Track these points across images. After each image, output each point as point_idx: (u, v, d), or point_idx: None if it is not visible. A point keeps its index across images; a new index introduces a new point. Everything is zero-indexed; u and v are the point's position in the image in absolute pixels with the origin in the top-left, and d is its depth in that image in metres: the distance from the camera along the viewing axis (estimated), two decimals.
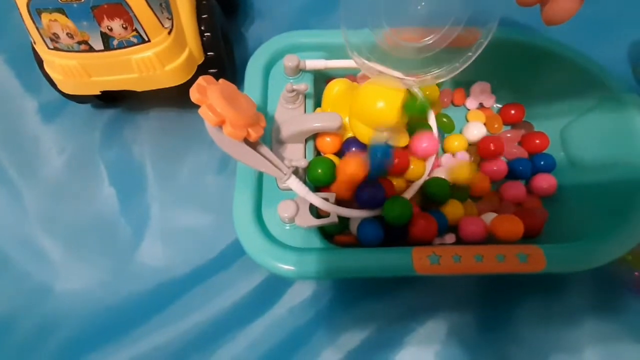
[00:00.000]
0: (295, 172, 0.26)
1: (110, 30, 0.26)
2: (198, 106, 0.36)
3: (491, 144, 0.32)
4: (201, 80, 0.21)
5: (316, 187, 0.28)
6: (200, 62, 0.31)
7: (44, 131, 0.36)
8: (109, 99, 0.36)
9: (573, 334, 0.29)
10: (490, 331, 0.30)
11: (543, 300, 0.30)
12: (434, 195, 0.28)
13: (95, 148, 0.35)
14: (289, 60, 0.28)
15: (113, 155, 0.35)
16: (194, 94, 0.20)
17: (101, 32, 0.26)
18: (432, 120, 0.29)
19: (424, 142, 0.28)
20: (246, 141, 0.22)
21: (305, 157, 0.27)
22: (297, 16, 0.41)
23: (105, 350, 0.29)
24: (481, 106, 0.36)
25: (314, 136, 0.28)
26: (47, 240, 0.32)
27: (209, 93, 0.20)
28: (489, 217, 0.28)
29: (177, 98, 0.36)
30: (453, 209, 0.29)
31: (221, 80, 0.22)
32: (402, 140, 0.30)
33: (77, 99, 0.35)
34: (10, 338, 0.30)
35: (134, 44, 0.27)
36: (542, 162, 0.32)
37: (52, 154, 0.35)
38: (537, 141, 0.33)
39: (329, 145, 0.28)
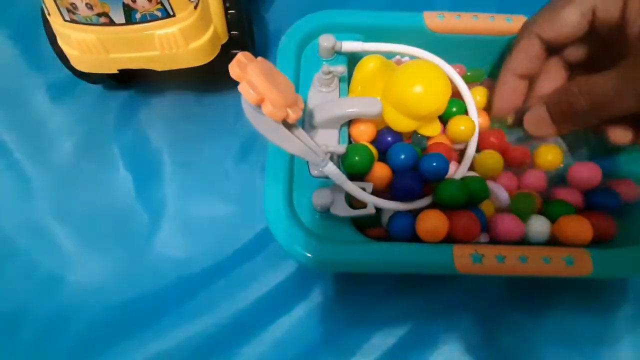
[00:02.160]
0: (330, 158, 0.24)
1: (134, 1, 0.24)
2: (217, 90, 0.35)
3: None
4: (241, 55, 0.19)
5: (349, 176, 0.26)
6: (224, 41, 0.29)
7: (53, 113, 0.34)
8: (123, 79, 0.34)
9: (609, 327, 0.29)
10: (522, 331, 0.28)
11: (577, 296, 0.29)
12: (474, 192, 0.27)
13: (108, 131, 0.33)
14: (325, 40, 0.26)
15: (127, 140, 0.33)
16: (233, 69, 0.19)
17: (124, 3, 0.24)
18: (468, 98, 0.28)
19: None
20: (284, 123, 0.21)
21: (339, 144, 0.26)
22: None
23: (121, 346, 0.27)
24: None
25: (348, 123, 0.27)
26: (58, 227, 0.30)
27: (250, 69, 0.19)
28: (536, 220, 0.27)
29: (195, 80, 0.35)
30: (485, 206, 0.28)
31: (259, 58, 0.20)
32: (433, 129, 0.28)
33: (90, 79, 0.33)
34: (21, 331, 0.28)
35: (158, 18, 0.25)
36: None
37: (62, 137, 0.33)
38: None
39: (363, 134, 0.27)
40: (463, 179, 0.27)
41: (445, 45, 0.29)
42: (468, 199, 0.26)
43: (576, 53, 0.26)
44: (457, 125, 0.27)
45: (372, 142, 0.27)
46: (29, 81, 0.35)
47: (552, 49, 0.26)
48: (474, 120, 0.27)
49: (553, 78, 0.27)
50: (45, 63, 0.36)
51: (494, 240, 0.26)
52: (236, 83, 0.19)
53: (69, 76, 0.31)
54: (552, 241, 0.26)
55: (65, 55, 0.28)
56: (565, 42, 0.25)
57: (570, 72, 0.27)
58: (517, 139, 0.30)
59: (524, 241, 0.26)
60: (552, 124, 0.25)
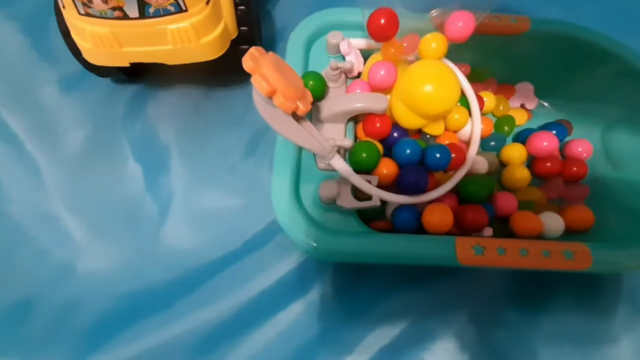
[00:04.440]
0: (337, 152, 0.25)
1: None
2: (225, 84, 0.36)
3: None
4: (254, 50, 0.20)
5: (355, 171, 0.27)
6: (233, 36, 0.30)
7: (63, 105, 0.35)
8: (132, 73, 0.34)
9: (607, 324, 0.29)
10: (518, 329, 0.29)
11: (576, 293, 0.30)
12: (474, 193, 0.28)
13: (117, 124, 0.34)
14: (333, 37, 0.27)
15: (136, 132, 0.34)
16: (247, 62, 0.19)
17: None
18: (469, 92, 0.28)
19: None
20: (294, 115, 0.22)
21: (346, 138, 0.26)
22: None
23: (130, 334, 0.28)
24: (523, 107, 0.35)
25: (355, 119, 0.27)
26: (68, 217, 0.31)
27: (262, 63, 0.19)
28: (546, 216, 0.28)
29: (204, 75, 0.35)
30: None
31: (271, 52, 0.21)
32: (438, 128, 0.29)
33: (100, 72, 0.33)
34: (33, 318, 0.29)
35: (171, 13, 0.26)
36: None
37: (73, 129, 0.34)
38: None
39: (378, 130, 0.27)
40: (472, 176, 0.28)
41: (450, 45, 0.29)
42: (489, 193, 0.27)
43: None
44: (452, 114, 0.28)
45: (381, 139, 0.28)
46: (39, 73, 0.36)
47: None
48: (476, 124, 0.28)
49: None
50: (55, 55, 0.36)
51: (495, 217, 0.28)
52: (244, 78, 0.20)
53: (79, 69, 0.32)
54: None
55: (78, 48, 0.29)
56: None
57: None
58: None
59: (541, 237, 0.27)
60: None
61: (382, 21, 0.25)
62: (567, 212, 0.28)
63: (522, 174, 0.29)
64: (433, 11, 0.27)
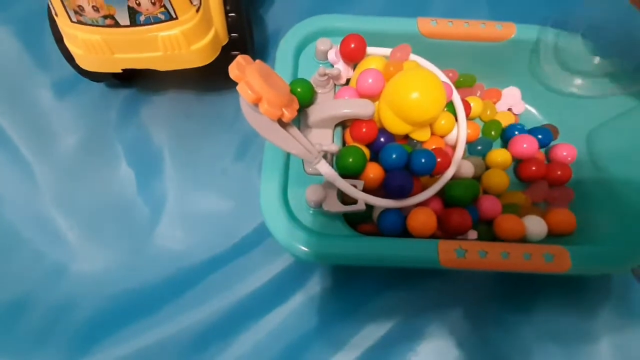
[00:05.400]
0: (324, 157, 0.25)
1: (138, 4, 0.25)
2: (217, 89, 0.36)
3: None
4: (240, 58, 0.20)
5: (342, 175, 0.27)
6: (224, 43, 0.31)
7: (57, 109, 0.35)
8: (124, 78, 0.35)
9: (590, 325, 0.30)
10: (507, 325, 0.30)
11: (562, 294, 0.30)
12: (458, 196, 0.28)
13: (110, 128, 0.34)
14: (322, 44, 0.27)
15: (129, 136, 0.34)
16: (233, 71, 0.20)
17: (129, 6, 0.25)
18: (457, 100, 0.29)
19: None
20: (279, 121, 0.22)
21: (333, 143, 0.27)
22: (317, 2, 0.40)
23: (122, 334, 0.29)
24: (510, 111, 0.35)
25: (343, 124, 0.28)
26: (61, 219, 0.32)
27: (248, 71, 0.20)
28: (529, 219, 0.28)
29: (195, 79, 0.36)
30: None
31: (257, 61, 0.22)
32: (424, 134, 0.29)
33: (93, 77, 0.34)
34: (27, 318, 0.29)
35: (161, 21, 0.26)
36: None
37: (66, 133, 0.35)
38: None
39: (364, 135, 0.28)
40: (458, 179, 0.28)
41: (438, 51, 0.30)
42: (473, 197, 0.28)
43: None
44: (439, 119, 0.29)
45: (367, 144, 0.28)
46: (33, 78, 0.36)
47: None
48: (462, 129, 0.29)
49: None
50: (49, 60, 0.37)
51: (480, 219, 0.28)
52: (235, 83, 0.20)
53: (72, 73, 0.32)
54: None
55: (71, 54, 0.29)
56: None
57: None
58: None
59: (524, 240, 0.28)
60: None
61: (352, 45, 0.27)
62: (550, 216, 0.29)
63: (501, 178, 0.30)
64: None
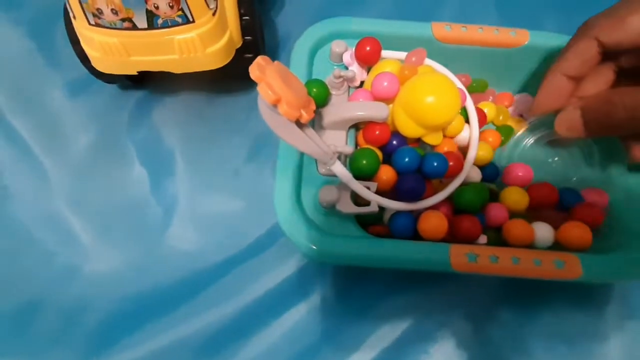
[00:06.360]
0: (338, 158, 0.26)
1: (157, 8, 0.26)
2: (229, 91, 0.36)
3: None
4: (260, 59, 0.21)
5: (355, 177, 0.28)
6: (238, 45, 0.31)
7: (69, 109, 0.36)
8: (137, 80, 0.35)
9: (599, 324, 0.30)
10: (513, 327, 0.30)
11: (568, 298, 0.31)
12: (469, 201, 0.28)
13: (123, 129, 0.35)
14: (337, 46, 0.28)
15: (141, 137, 0.35)
16: (254, 71, 0.20)
17: (147, 9, 0.26)
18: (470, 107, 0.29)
19: None
20: (297, 122, 0.22)
21: (347, 145, 0.27)
22: (327, 5, 0.41)
23: (136, 336, 0.29)
24: (521, 117, 0.35)
25: (355, 126, 0.28)
26: (74, 220, 0.32)
27: (268, 72, 0.20)
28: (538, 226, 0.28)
29: (207, 82, 0.36)
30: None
31: (276, 62, 0.22)
32: (436, 138, 0.29)
33: (107, 78, 0.34)
34: (39, 320, 0.29)
35: (178, 24, 0.27)
36: None
37: (78, 133, 0.35)
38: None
39: (377, 138, 0.28)
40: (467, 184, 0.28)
41: (451, 55, 0.30)
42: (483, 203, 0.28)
43: (632, 61, 0.25)
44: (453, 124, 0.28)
45: (380, 146, 0.29)
46: (45, 78, 0.37)
47: (608, 54, 0.25)
48: (474, 132, 0.29)
49: (600, 82, 0.26)
50: (61, 60, 0.37)
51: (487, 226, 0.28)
52: (247, 85, 0.21)
53: (84, 74, 0.32)
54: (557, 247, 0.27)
55: (86, 56, 0.30)
56: (625, 49, 0.24)
57: (619, 79, 0.26)
58: (541, 137, 0.31)
59: (532, 246, 0.27)
60: (583, 128, 0.25)
61: (368, 48, 0.27)
62: (565, 229, 0.27)
63: (521, 196, 0.29)
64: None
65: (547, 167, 0.32)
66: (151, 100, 0.36)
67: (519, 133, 0.33)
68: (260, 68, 0.20)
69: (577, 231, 0.27)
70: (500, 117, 0.33)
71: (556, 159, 0.32)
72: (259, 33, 0.32)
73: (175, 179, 0.33)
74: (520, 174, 0.30)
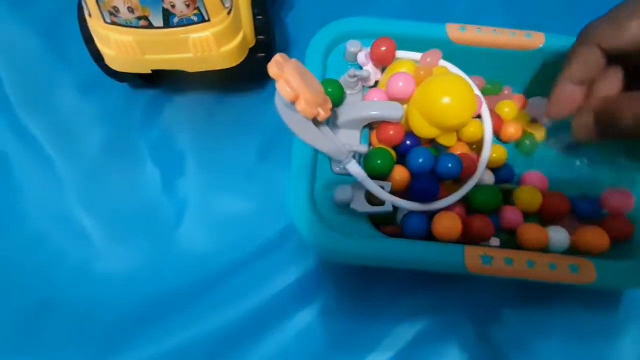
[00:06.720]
0: (352, 157, 0.26)
1: (173, 6, 0.26)
2: (240, 91, 0.36)
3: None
4: (278, 56, 0.21)
5: (369, 177, 0.28)
6: (251, 45, 0.31)
7: (81, 108, 0.36)
8: (149, 79, 0.35)
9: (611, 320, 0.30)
10: (532, 328, 0.30)
11: (581, 299, 0.30)
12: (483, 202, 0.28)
13: (134, 128, 0.35)
14: (352, 45, 0.28)
15: (153, 137, 0.34)
16: (272, 68, 0.20)
17: (163, 8, 0.26)
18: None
19: None
20: (314, 120, 0.22)
21: (361, 144, 0.27)
22: (335, 6, 0.41)
23: (149, 335, 0.29)
24: (534, 121, 0.34)
25: (369, 126, 0.28)
26: (86, 219, 0.32)
27: (286, 69, 0.20)
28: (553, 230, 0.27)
29: (219, 81, 0.36)
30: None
31: (294, 59, 0.22)
32: (450, 139, 0.29)
33: (119, 77, 0.34)
34: (52, 319, 0.29)
35: (194, 23, 0.27)
36: None
37: (91, 133, 0.35)
38: None
39: (391, 138, 0.28)
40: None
41: (465, 57, 0.30)
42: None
43: (638, 62, 0.25)
44: (468, 127, 0.28)
45: (393, 146, 0.29)
46: (57, 77, 0.36)
47: (613, 57, 0.25)
48: (488, 133, 0.29)
49: (613, 83, 0.26)
50: (72, 59, 0.37)
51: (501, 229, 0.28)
52: (259, 84, 0.21)
53: (96, 73, 0.32)
54: (573, 251, 0.26)
55: (99, 54, 0.30)
56: (627, 53, 0.24)
57: (631, 78, 0.26)
58: (563, 144, 0.31)
59: (546, 250, 0.27)
60: (596, 131, 0.25)
61: (383, 48, 0.27)
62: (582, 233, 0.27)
63: (534, 196, 0.28)
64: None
65: (572, 169, 0.32)
66: (162, 99, 0.36)
67: (538, 137, 0.33)
68: (278, 65, 0.20)
69: (593, 236, 0.26)
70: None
71: (578, 163, 0.32)
72: (271, 32, 0.32)
73: (186, 178, 0.33)
74: (534, 182, 0.30)
